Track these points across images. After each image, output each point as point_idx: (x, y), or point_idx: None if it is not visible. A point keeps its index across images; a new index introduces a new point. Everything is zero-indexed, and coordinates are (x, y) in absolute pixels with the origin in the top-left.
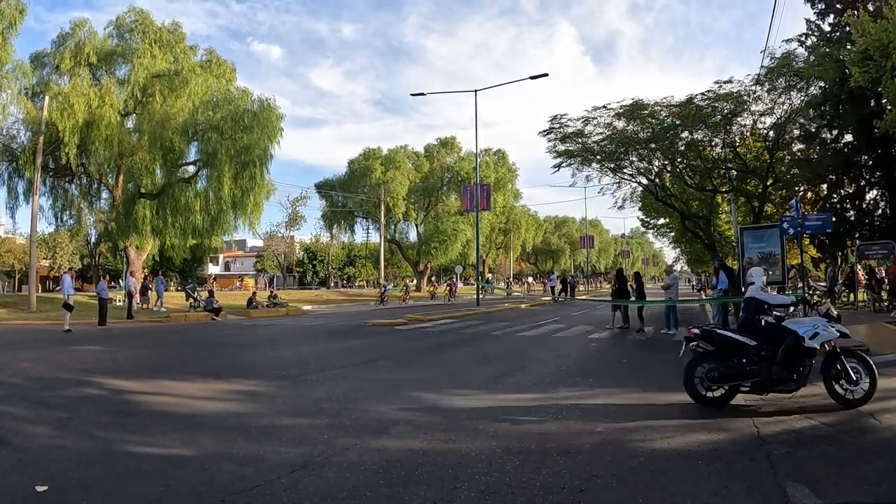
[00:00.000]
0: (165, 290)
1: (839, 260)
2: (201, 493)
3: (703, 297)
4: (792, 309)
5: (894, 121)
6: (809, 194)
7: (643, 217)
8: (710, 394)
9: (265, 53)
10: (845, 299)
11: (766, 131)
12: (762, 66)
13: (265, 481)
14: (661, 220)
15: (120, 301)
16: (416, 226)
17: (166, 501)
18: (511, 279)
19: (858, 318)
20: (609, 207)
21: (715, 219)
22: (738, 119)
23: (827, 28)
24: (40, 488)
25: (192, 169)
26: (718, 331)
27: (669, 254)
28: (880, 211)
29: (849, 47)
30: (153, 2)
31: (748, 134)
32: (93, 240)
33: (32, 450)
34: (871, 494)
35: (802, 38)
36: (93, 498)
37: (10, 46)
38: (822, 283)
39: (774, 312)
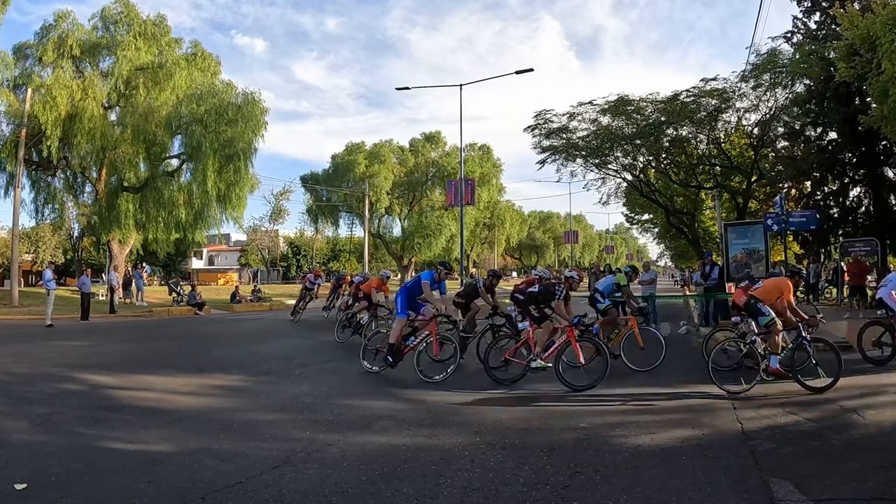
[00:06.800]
0: (148, 285)
1: (822, 257)
2: (183, 490)
3: (687, 293)
4: None
5: (879, 118)
6: (793, 191)
7: (628, 212)
8: None
9: (249, 46)
10: (829, 296)
11: (750, 128)
12: (748, 63)
13: (247, 478)
14: (646, 216)
15: (103, 296)
16: (401, 220)
17: (148, 498)
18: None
19: (843, 316)
20: (594, 203)
21: (699, 215)
22: (723, 116)
23: (813, 25)
24: (19, 486)
25: (175, 162)
26: None
27: (654, 249)
28: (864, 208)
29: (835, 43)
30: None
31: (733, 131)
32: (76, 234)
33: (12, 446)
34: (855, 491)
35: (789, 35)
36: (73, 495)
37: None
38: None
39: None
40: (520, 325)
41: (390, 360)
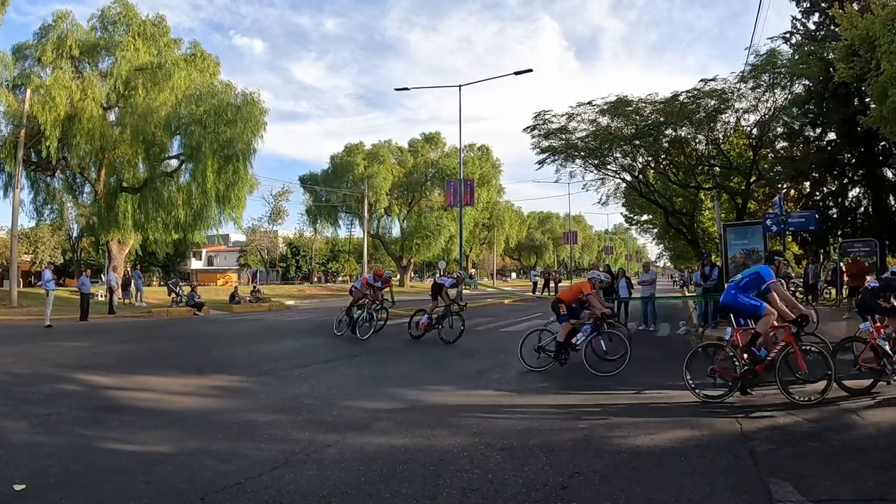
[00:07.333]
0: (147, 286)
1: (821, 257)
2: (182, 491)
3: (686, 294)
4: None
5: (878, 118)
6: (793, 192)
7: (627, 213)
8: None
9: (248, 47)
10: (828, 297)
11: (749, 129)
12: (747, 64)
13: (246, 478)
14: (645, 217)
15: (102, 296)
16: (400, 221)
17: (147, 499)
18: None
19: (841, 316)
20: (593, 203)
21: (698, 215)
22: (723, 116)
23: (812, 26)
24: (18, 487)
25: (175, 163)
26: None
27: (653, 250)
28: (863, 209)
29: (834, 44)
30: None
31: (732, 131)
32: (75, 234)
33: (11, 447)
34: (854, 491)
35: (787, 36)
36: (72, 495)
37: None
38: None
39: None
40: (861, 326)
41: (746, 381)
